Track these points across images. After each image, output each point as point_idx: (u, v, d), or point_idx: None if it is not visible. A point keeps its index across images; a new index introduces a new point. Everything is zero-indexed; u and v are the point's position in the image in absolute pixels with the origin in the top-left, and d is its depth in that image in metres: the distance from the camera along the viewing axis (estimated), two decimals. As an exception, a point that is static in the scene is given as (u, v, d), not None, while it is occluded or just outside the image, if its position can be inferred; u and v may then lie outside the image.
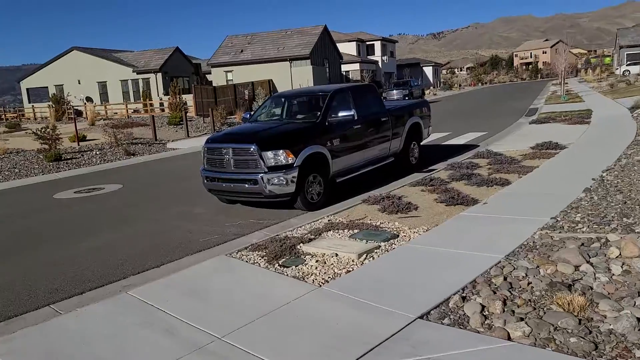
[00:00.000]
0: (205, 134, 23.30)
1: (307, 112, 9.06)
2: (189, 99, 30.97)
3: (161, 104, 38.49)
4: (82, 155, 17.26)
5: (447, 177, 9.09)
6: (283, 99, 9.73)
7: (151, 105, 36.14)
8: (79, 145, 19.52)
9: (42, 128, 17.51)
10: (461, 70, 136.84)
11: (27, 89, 46.53)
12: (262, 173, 7.50)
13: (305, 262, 5.24)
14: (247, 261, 5.50)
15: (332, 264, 5.16)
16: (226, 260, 5.64)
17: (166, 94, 40.98)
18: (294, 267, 5.13)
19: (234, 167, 7.79)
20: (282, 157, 7.52)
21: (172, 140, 21.16)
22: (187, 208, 8.83)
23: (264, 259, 5.45)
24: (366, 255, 5.29)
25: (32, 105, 43.40)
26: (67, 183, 12.92)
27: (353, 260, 5.19)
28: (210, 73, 44.81)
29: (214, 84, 36.62)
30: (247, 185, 7.67)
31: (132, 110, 38.00)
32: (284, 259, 5.38)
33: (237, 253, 5.79)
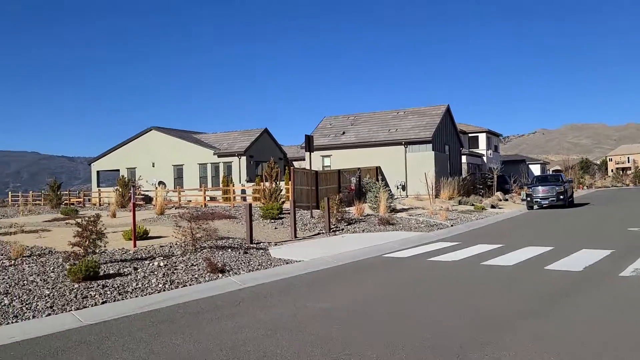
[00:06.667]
0: (319, 233, 15.84)
1: None
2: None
3: (243, 191, 32.19)
4: (137, 268, 9.97)
5: None
6: None
7: (234, 192, 29.75)
8: (135, 246, 12.43)
9: (88, 217, 10.64)
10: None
11: (98, 172, 42.18)
12: None
13: None
14: None
15: None
16: None
17: (249, 180, 34.86)
18: None
19: None
20: None
21: (275, 244, 13.73)
22: None
23: None
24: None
25: (99, 189, 38.54)
26: (85, 352, 5.41)
27: None
28: (301, 159, 38.73)
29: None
30: None
31: (209, 198, 31.86)
32: None
33: None
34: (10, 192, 43.84)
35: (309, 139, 18.07)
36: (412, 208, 24.04)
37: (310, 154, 18.66)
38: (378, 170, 30.27)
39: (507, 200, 32.69)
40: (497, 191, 34.31)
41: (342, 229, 16.51)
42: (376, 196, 22.02)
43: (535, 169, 67.23)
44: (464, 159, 46.79)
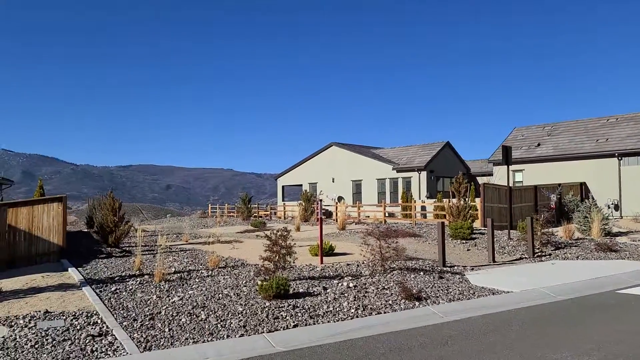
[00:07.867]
0: (520, 258, 13.71)
1: None
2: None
3: (422, 208, 30.71)
4: (326, 288, 9.30)
5: None
6: None
7: (414, 208, 28.46)
8: (322, 263, 11.94)
9: (277, 231, 10.41)
10: None
11: (283, 187, 44.59)
12: None
13: None
14: None
15: None
16: None
17: (430, 196, 33.26)
18: None
19: None
20: None
21: (472, 268, 12.08)
22: None
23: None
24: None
25: (284, 203, 40.57)
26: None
27: None
28: (486, 174, 35.89)
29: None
30: None
31: (387, 214, 31.04)
32: None
33: None
34: (210, 205, 48.84)
35: (506, 150, 15.97)
36: (632, 232, 20.00)
37: (508, 167, 16.51)
38: (583, 186, 26.20)
39: None
40: None
41: (550, 254, 14.08)
42: (586, 217, 18.74)
43: None
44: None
